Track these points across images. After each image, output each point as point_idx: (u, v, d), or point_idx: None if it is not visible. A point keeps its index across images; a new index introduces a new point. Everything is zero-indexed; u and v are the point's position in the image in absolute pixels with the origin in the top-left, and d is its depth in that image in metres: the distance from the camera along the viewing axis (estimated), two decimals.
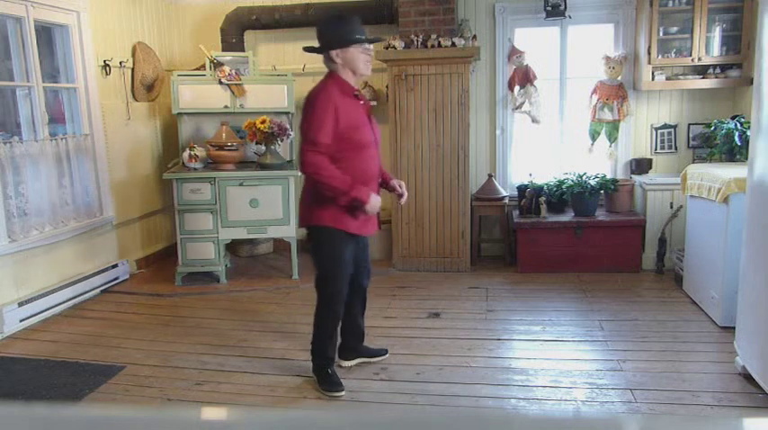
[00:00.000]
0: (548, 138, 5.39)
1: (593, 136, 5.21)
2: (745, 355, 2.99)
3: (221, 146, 4.89)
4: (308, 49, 2.98)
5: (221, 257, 4.86)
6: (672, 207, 4.83)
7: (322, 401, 2.97)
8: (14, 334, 3.83)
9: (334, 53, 2.86)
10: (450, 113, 4.91)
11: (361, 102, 2.97)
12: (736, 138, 4.53)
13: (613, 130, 5.17)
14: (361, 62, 2.90)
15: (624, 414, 2.75)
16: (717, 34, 4.73)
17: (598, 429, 0.56)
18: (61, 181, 4.36)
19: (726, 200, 3.53)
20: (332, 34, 2.87)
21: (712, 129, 4.82)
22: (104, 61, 4.77)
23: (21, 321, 3.89)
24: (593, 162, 5.23)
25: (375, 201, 2.88)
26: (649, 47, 4.80)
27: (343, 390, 3.01)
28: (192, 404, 2.94)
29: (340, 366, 3.24)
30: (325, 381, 3.05)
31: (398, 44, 4.89)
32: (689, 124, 5.16)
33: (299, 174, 4.97)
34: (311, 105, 2.82)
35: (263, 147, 4.91)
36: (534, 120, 5.19)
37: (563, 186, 4.98)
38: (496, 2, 5.22)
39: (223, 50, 5.33)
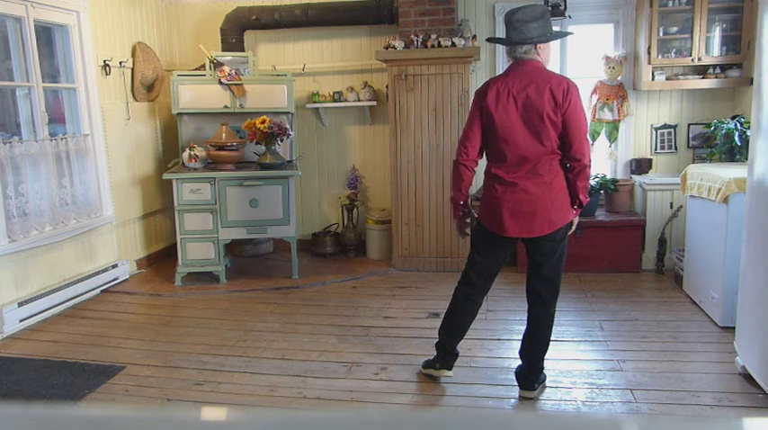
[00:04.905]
0: None
1: (593, 136, 5.20)
2: (745, 355, 2.99)
3: (221, 146, 4.89)
4: (538, 39, 2.69)
5: (221, 257, 4.86)
6: (672, 207, 4.83)
7: (321, 401, 2.97)
8: (14, 334, 3.83)
9: (544, 45, 2.74)
10: (450, 113, 4.91)
11: None
12: (736, 139, 4.53)
13: (613, 130, 5.17)
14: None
15: (624, 414, 2.75)
16: (717, 34, 4.73)
17: (598, 429, 0.55)
18: (61, 181, 4.36)
19: (726, 200, 3.53)
20: (549, 25, 2.73)
21: (712, 129, 4.81)
22: (104, 61, 4.77)
23: (21, 321, 3.89)
24: (592, 162, 5.21)
25: None
26: (649, 47, 4.80)
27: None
28: (192, 404, 2.94)
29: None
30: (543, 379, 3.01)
31: (398, 44, 4.89)
32: (689, 124, 5.16)
33: (299, 174, 5.03)
34: (579, 99, 2.69)
35: (263, 147, 4.92)
36: None
37: None
38: (496, 2, 5.22)
39: (223, 50, 5.33)
